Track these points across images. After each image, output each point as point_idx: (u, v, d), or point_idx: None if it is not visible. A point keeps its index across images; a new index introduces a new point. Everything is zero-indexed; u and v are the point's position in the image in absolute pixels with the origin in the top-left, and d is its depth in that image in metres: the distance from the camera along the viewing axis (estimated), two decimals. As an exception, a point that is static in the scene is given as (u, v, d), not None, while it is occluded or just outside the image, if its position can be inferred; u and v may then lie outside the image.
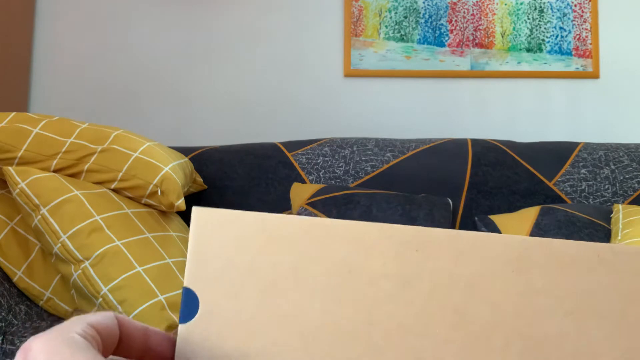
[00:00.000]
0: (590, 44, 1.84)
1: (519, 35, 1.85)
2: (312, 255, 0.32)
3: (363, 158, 1.50)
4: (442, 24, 1.86)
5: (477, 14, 1.86)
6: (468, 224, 1.42)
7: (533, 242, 0.33)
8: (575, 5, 1.85)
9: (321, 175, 1.49)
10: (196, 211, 0.32)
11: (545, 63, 1.84)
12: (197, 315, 0.31)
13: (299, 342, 0.31)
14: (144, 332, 0.29)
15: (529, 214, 1.32)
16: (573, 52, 1.84)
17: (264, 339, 0.31)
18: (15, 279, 1.12)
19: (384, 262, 0.32)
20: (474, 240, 0.33)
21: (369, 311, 0.32)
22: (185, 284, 0.32)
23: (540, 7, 1.86)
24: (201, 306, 0.31)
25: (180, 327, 0.31)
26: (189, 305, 0.31)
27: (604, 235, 1.31)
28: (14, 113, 1.19)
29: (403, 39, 1.86)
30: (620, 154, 1.49)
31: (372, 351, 0.31)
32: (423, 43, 1.86)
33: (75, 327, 0.25)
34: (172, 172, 1.18)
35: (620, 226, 1.29)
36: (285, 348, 0.31)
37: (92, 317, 0.26)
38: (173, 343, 0.31)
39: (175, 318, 0.90)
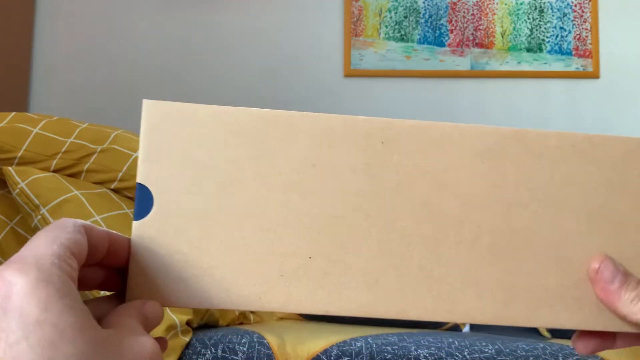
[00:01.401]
0: (590, 44, 1.84)
1: (519, 35, 1.85)
2: (274, 149, 0.31)
3: (363, 158, 1.50)
4: (442, 24, 1.86)
5: (477, 14, 1.86)
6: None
7: (505, 132, 0.32)
8: (575, 5, 1.85)
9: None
10: (147, 104, 0.31)
11: (545, 63, 1.84)
12: (151, 212, 0.30)
13: (259, 237, 0.30)
14: (107, 239, 0.28)
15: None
16: (573, 52, 1.84)
17: (223, 235, 0.30)
18: (15, 279, 1.12)
19: (349, 155, 0.31)
20: (443, 131, 0.32)
21: (334, 205, 0.31)
22: (138, 180, 0.30)
23: (540, 7, 1.86)
24: (156, 203, 0.30)
25: (134, 224, 0.30)
26: (142, 202, 0.30)
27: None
28: (14, 113, 1.19)
29: (403, 39, 1.86)
30: (620, 154, 1.49)
31: (337, 245, 0.31)
32: (423, 43, 1.86)
33: (54, 258, 0.23)
34: (172, 172, 1.18)
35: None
36: (245, 243, 0.30)
37: (65, 237, 0.25)
38: None
39: (175, 318, 0.90)
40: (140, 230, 0.30)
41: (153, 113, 0.31)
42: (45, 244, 0.24)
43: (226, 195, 0.30)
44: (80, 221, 0.26)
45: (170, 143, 0.30)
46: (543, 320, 0.31)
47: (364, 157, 0.31)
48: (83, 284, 0.28)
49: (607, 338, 0.33)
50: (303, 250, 0.30)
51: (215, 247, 0.30)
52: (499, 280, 0.31)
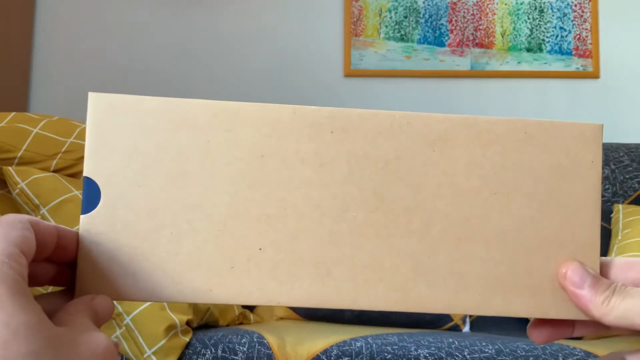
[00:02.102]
0: (590, 44, 1.84)
1: (519, 35, 1.85)
2: (222, 140, 0.31)
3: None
4: (442, 24, 1.86)
5: (477, 14, 1.86)
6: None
7: (456, 119, 0.32)
8: (575, 5, 1.85)
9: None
10: (92, 97, 0.30)
11: (545, 63, 1.84)
12: (99, 206, 0.30)
13: (209, 229, 0.30)
14: (56, 233, 0.28)
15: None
16: (573, 52, 1.84)
17: (172, 227, 0.30)
18: (15, 279, 1.12)
19: (298, 145, 0.31)
20: (392, 120, 0.32)
21: (283, 196, 0.31)
22: (85, 174, 0.30)
23: (540, 7, 1.86)
24: (103, 196, 0.30)
25: (82, 218, 0.29)
26: (90, 195, 0.30)
27: (603, 235, 1.31)
28: (14, 113, 1.19)
29: (403, 38, 1.86)
30: (620, 154, 1.49)
31: (287, 236, 0.30)
32: (423, 43, 1.86)
33: (3, 257, 0.23)
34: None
35: (620, 226, 1.29)
36: (194, 235, 0.30)
37: (13, 234, 0.24)
38: None
39: (175, 318, 0.90)
40: (88, 224, 0.30)
41: (99, 106, 0.30)
42: None
43: (174, 188, 0.30)
44: (26, 216, 0.26)
45: (117, 136, 0.30)
46: (495, 309, 0.31)
47: (313, 147, 0.31)
48: (34, 280, 0.28)
49: (563, 326, 0.33)
50: (253, 242, 0.30)
51: (165, 240, 0.30)
52: (451, 269, 0.31)
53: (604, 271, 0.33)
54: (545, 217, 0.32)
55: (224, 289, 0.30)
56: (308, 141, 0.31)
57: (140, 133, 0.30)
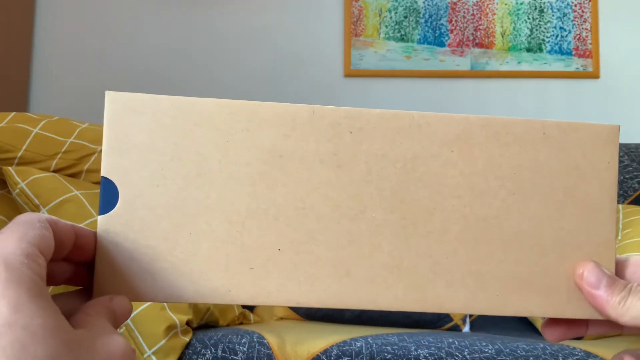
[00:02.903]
0: (590, 44, 1.84)
1: (519, 35, 1.85)
2: (240, 140, 0.30)
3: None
4: (442, 24, 1.86)
5: (477, 14, 1.86)
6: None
7: (474, 120, 0.32)
8: (575, 5, 1.85)
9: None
10: (110, 95, 0.30)
11: (545, 63, 1.84)
12: (117, 206, 0.29)
13: (227, 230, 0.30)
14: (73, 233, 0.27)
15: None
16: (573, 52, 1.84)
17: (190, 227, 0.30)
18: (15, 279, 1.12)
19: (316, 145, 0.31)
20: (410, 120, 0.31)
21: (302, 196, 0.30)
22: (103, 174, 0.30)
23: (540, 7, 1.86)
24: (121, 196, 0.29)
25: (100, 218, 0.29)
26: (107, 195, 0.29)
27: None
28: (14, 113, 1.19)
29: (403, 39, 1.86)
30: (620, 154, 1.49)
31: (306, 237, 0.30)
32: (423, 43, 1.86)
33: (22, 257, 0.23)
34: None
35: (620, 226, 1.29)
36: (213, 236, 0.30)
37: (32, 234, 0.24)
38: None
39: (175, 318, 0.90)
40: (106, 224, 0.29)
41: (116, 105, 0.30)
42: (13, 243, 0.23)
43: (193, 187, 0.30)
44: (45, 215, 0.26)
45: (134, 135, 0.30)
46: (512, 309, 0.31)
47: (332, 147, 0.31)
48: (50, 279, 0.27)
49: (577, 326, 0.33)
50: (272, 242, 0.30)
51: (183, 240, 0.30)
52: (469, 269, 0.31)
53: (619, 270, 0.33)
54: (562, 217, 0.32)
55: (243, 289, 0.30)
56: (327, 141, 0.31)
57: (158, 132, 0.30)
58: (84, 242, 0.28)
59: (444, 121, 0.32)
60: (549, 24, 1.85)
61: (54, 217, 0.26)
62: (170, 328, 0.89)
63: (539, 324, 1.21)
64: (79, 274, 0.29)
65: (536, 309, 0.31)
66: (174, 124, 0.30)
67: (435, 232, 0.31)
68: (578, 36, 1.84)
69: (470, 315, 1.23)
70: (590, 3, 1.85)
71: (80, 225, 0.29)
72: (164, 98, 0.30)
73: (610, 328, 0.33)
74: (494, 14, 1.86)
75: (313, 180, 0.31)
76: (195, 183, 0.30)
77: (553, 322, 0.33)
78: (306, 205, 0.30)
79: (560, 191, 0.32)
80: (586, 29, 1.85)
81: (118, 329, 0.26)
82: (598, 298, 0.31)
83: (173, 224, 0.30)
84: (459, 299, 0.31)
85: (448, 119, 0.32)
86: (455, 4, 1.87)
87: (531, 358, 0.82)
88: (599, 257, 0.32)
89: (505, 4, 1.86)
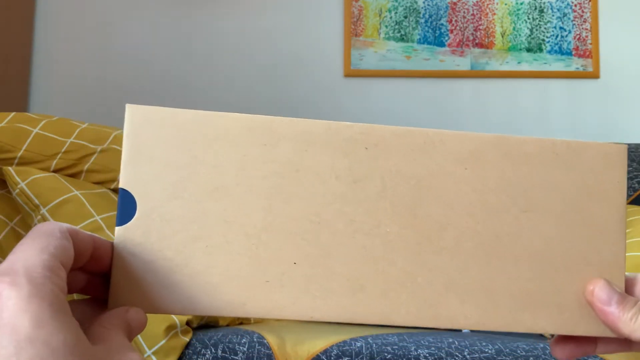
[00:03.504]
0: (590, 44, 1.84)
1: (519, 35, 1.85)
2: (257, 154, 0.31)
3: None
4: (442, 24, 1.86)
5: (477, 14, 1.86)
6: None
7: (486, 138, 0.32)
8: (575, 5, 1.85)
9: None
10: (130, 109, 0.30)
11: (545, 63, 1.84)
12: (134, 218, 0.30)
13: (244, 243, 0.30)
14: (92, 243, 0.28)
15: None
16: (573, 52, 1.84)
17: (207, 240, 0.30)
18: (15, 279, 1.12)
19: (332, 160, 0.31)
20: (425, 138, 0.32)
21: (318, 210, 0.31)
22: (121, 185, 0.30)
23: (540, 7, 1.86)
24: (139, 208, 0.30)
25: (117, 229, 0.29)
26: (125, 207, 0.30)
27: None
28: (14, 113, 1.19)
29: (403, 39, 1.86)
30: (620, 154, 1.49)
31: (321, 251, 0.30)
32: (423, 43, 1.86)
33: (45, 270, 0.23)
34: (172, 172, 1.18)
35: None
36: (229, 248, 0.30)
37: (54, 245, 0.24)
38: None
39: (175, 318, 0.90)
40: (123, 235, 0.29)
41: (136, 117, 0.30)
42: (35, 254, 0.23)
43: (210, 200, 0.30)
44: (65, 225, 0.26)
45: (153, 148, 0.30)
46: (524, 326, 0.31)
47: (348, 162, 0.31)
48: None
49: (586, 343, 0.34)
50: (287, 256, 0.30)
51: (200, 252, 0.30)
52: (482, 286, 0.31)
53: (628, 287, 0.33)
54: (572, 235, 0.32)
55: (257, 302, 0.30)
56: (342, 157, 0.31)
57: (177, 145, 0.30)
58: (101, 252, 0.28)
59: (458, 139, 0.32)
60: (549, 24, 1.85)
61: (74, 227, 0.26)
62: (170, 328, 0.89)
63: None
64: (93, 284, 0.29)
65: (548, 326, 0.32)
66: (193, 137, 0.31)
67: (448, 248, 0.31)
68: (578, 36, 1.84)
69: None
70: (590, 3, 1.85)
71: (98, 236, 0.29)
72: (184, 112, 0.31)
73: (620, 346, 0.33)
74: (494, 14, 1.86)
75: (328, 195, 0.31)
76: (212, 196, 0.30)
77: (562, 339, 0.34)
78: (321, 220, 0.31)
79: (570, 210, 0.33)
80: (586, 29, 1.85)
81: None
82: (610, 315, 0.31)
83: (190, 236, 0.30)
84: (472, 316, 0.31)
85: (462, 136, 0.32)
86: (455, 4, 1.87)
87: (531, 358, 0.82)
88: (609, 276, 0.32)
89: (505, 4, 1.86)
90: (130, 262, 0.29)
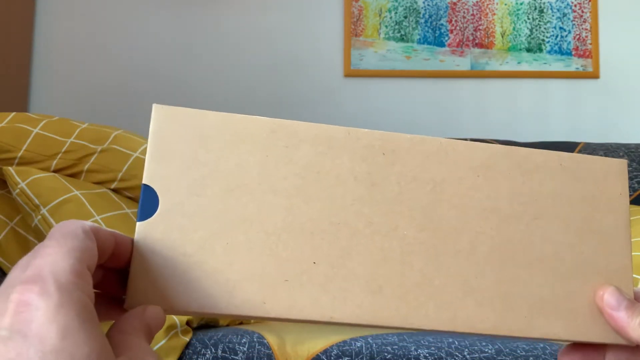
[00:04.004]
0: (590, 44, 1.84)
1: (519, 35, 1.85)
2: (280, 156, 0.31)
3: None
4: (442, 24, 1.86)
5: (477, 14, 1.86)
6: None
7: (497, 149, 0.34)
8: (575, 5, 1.85)
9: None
10: (156, 108, 0.31)
11: (545, 63, 1.84)
12: (156, 213, 0.30)
13: (264, 242, 0.30)
14: (113, 240, 0.27)
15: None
16: (573, 52, 1.84)
17: (228, 238, 0.30)
18: (15, 279, 1.12)
19: (351, 164, 0.32)
20: (438, 146, 0.33)
21: (337, 212, 0.31)
22: (144, 181, 0.30)
23: (540, 7, 1.86)
24: (161, 204, 0.30)
25: (139, 224, 0.29)
26: (147, 202, 0.30)
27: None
28: (14, 113, 1.19)
29: (403, 39, 1.86)
30: (620, 154, 1.49)
31: (340, 251, 0.31)
32: (423, 43, 1.86)
33: (73, 276, 0.23)
34: (172, 172, 1.18)
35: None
36: (250, 247, 0.30)
37: (79, 247, 0.24)
38: None
39: (175, 318, 0.90)
40: (144, 231, 0.29)
41: (162, 117, 0.31)
42: (62, 259, 0.23)
43: (232, 199, 0.31)
44: (87, 224, 0.26)
45: (178, 145, 0.31)
46: (539, 331, 0.32)
47: (366, 167, 0.32)
48: None
49: (594, 353, 0.34)
50: (307, 256, 0.31)
51: (220, 250, 0.30)
52: (497, 290, 0.32)
53: (638, 299, 0.34)
54: (581, 243, 0.34)
55: (277, 302, 0.30)
56: (361, 161, 0.32)
57: (201, 145, 0.31)
58: (121, 249, 0.28)
59: (470, 148, 0.33)
60: (548, 24, 1.85)
61: (95, 225, 0.26)
62: (170, 328, 0.89)
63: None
64: (107, 280, 0.29)
65: (562, 332, 0.32)
66: (217, 137, 0.31)
67: (464, 251, 0.32)
68: (578, 36, 1.84)
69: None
70: (590, 3, 1.85)
71: (119, 232, 0.28)
72: (210, 113, 0.32)
73: (629, 355, 0.34)
74: (494, 14, 1.86)
75: (347, 197, 0.32)
76: (234, 194, 0.31)
77: (570, 350, 0.34)
78: (341, 220, 0.31)
79: (578, 219, 0.34)
80: (586, 29, 1.85)
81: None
82: (619, 320, 0.32)
83: (210, 233, 0.30)
84: (488, 319, 0.31)
85: (473, 146, 0.34)
86: (455, 4, 1.87)
87: (531, 358, 0.82)
88: (617, 283, 0.33)
89: (505, 4, 1.86)
90: (149, 258, 0.29)
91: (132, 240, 0.29)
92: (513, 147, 0.34)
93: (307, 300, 0.30)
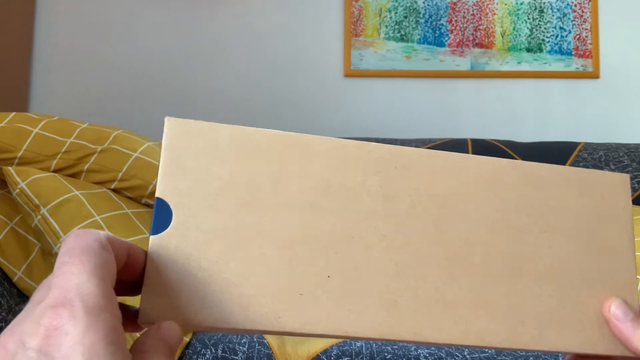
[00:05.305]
0: (590, 44, 1.84)
1: (519, 35, 1.85)
2: (293, 170, 0.31)
3: (363, 158, 1.50)
4: (442, 24, 1.86)
5: (477, 14, 1.86)
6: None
7: (504, 163, 0.34)
8: (575, 5, 1.85)
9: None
10: (169, 121, 0.31)
11: (545, 63, 1.84)
12: (169, 227, 0.30)
13: (278, 256, 0.30)
14: (127, 252, 0.27)
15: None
16: (573, 52, 1.84)
17: (242, 251, 0.30)
18: (15, 279, 1.12)
19: (364, 177, 0.32)
20: (450, 160, 0.34)
21: (350, 226, 0.31)
22: (158, 195, 0.30)
23: (540, 7, 1.86)
24: (174, 218, 0.30)
25: (152, 238, 0.29)
26: (161, 216, 0.30)
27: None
28: (14, 113, 1.19)
29: (403, 39, 1.86)
30: (620, 154, 1.49)
31: (354, 265, 0.31)
32: (423, 43, 1.86)
33: (99, 298, 0.23)
34: (172, 172, 1.18)
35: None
36: (264, 260, 0.30)
37: (101, 264, 0.24)
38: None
39: (175, 318, 0.90)
40: (158, 244, 0.29)
41: (174, 130, 0.31)
42: (88, 280, 0.23)
43: (246, 212, 0.30)
44: (103, 235, 0.26)
45: (191, 159, 0.31)
46: (550, 344, 0.32)
47: (378, 180, 0.32)
48: None
49: None
50: (321, 269, 0.30)
51: (235, 264, 0.30)
52: (508, 302, 0.32)
53: None
54: (588, 255, 0.34)
55: (292, 316, 0.29)
56: (373, 174, 0.32)
57: (215, 158, 0.31)
58: (134, 261, 0.28)
59: (479, 162, 0.34)
60: (549, 24, 1.85)
61: (111, 236, 0.26)
62: (170, 328, 0.89)
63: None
64: (119, 290, 0.29)
65: (572, 344, 0.32)
66: (231, 151, 0.31)
67: (475, 265, 0.32)
68: (578, 36, 1.84)
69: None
70: (590, 3, 1.85)
71: (133, 243, 0.28)
72: (223, 127, 0.31)
73: None
74: (494, 14, 1.86)
75: (361, 211, 0.32)
76: (248, 208, 0.31)
77: (575, 358, 0.35)
78: (354, 234, 0.31)
79: (584, 232, 0.34)
80: (586, 29, 1.85)
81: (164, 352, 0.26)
82: (625, 331, 0.32)
83: (225, 247, 0.30)
84: (500, 333, 0.32)
85: (482, 160, 0.34)
86: (455, 4, 1.87)
87: (531, 358, 0.82)
88: (623, 295, 0.34)
89: (505, 4, 1.86)
90: (163, 272, 0.29)
91: (145, 252, 0.29)
92: (519, 162, 0.34)
93: (322, 315, 0.30)
